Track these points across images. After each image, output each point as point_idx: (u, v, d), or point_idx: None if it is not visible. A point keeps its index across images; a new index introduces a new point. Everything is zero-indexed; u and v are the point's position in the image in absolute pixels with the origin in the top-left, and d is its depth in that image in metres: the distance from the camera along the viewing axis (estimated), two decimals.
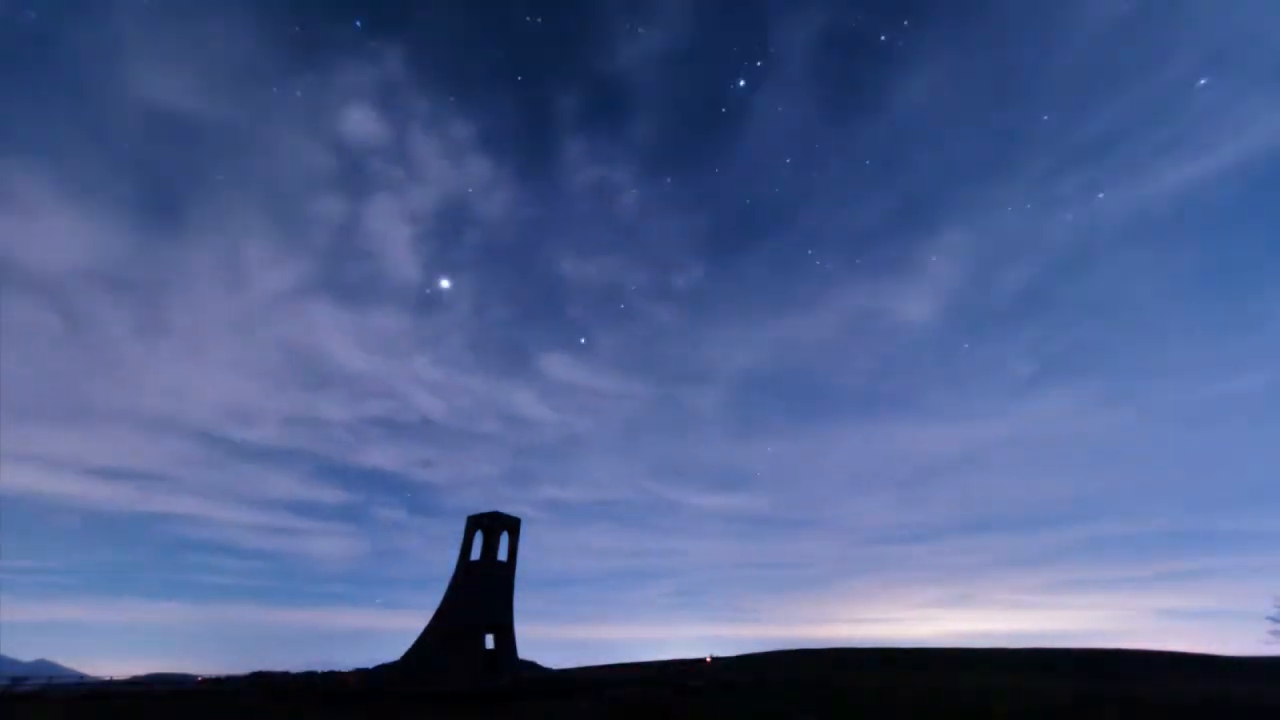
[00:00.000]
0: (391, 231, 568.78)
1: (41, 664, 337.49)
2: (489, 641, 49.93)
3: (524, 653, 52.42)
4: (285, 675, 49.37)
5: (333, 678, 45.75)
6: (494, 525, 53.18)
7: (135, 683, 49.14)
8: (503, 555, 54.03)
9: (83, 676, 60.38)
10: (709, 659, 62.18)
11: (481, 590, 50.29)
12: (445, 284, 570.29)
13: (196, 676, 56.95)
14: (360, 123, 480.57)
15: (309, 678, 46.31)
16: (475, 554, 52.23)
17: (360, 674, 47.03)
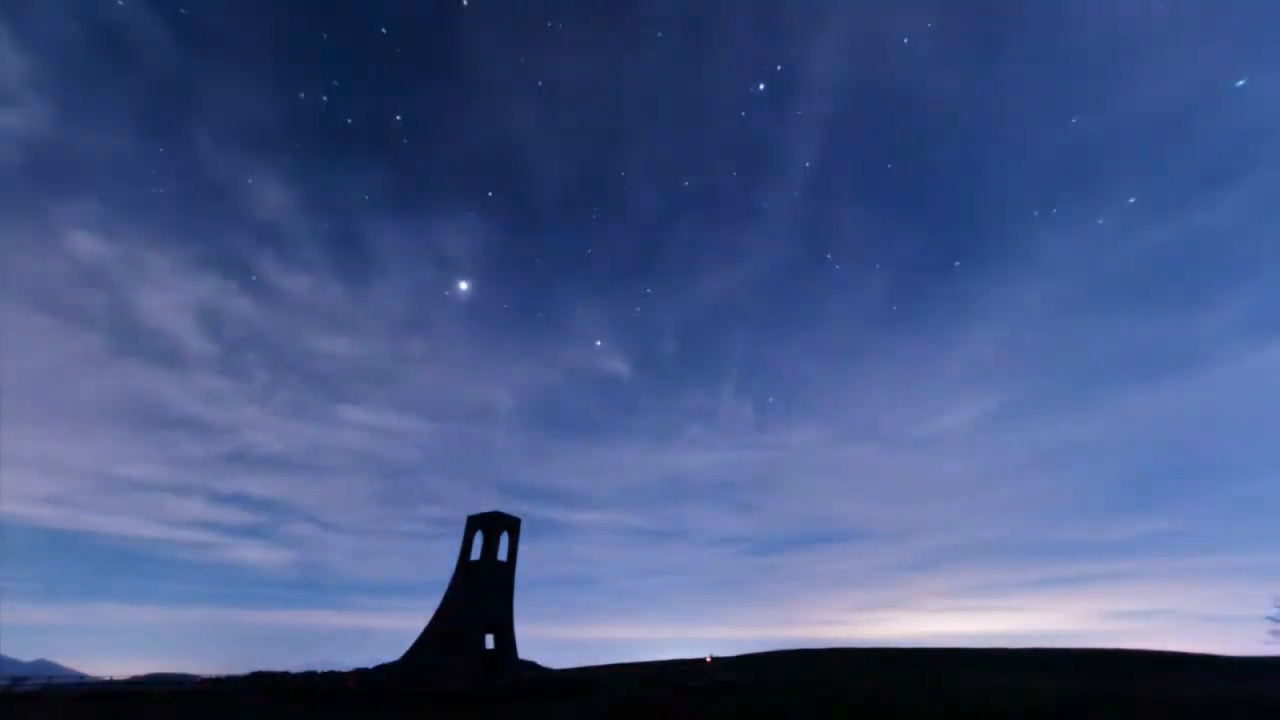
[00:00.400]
0: (174, 318, 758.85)
1: (41, 664, 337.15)
2: (489, 641, 49.88)
3: (524, 653, 52.42)
4: (285, 675, 49.35)
5: (333, 678, 45.71)
6: (494, 525, 53.12)
7: (135, 683, 49.12)
8: (502, 555, 54.02)
9: (83, 676, 60.31)
10: (709, 659, 62.18)
11: (481, 590, 50.22)
12: (464, 285, 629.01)
13: (197, 676, 56.89)
14: (88, 243, 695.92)
15: (309, 678, 46.29)
16: (475, 554, 52.19)
17: (360, 674, 46.98)
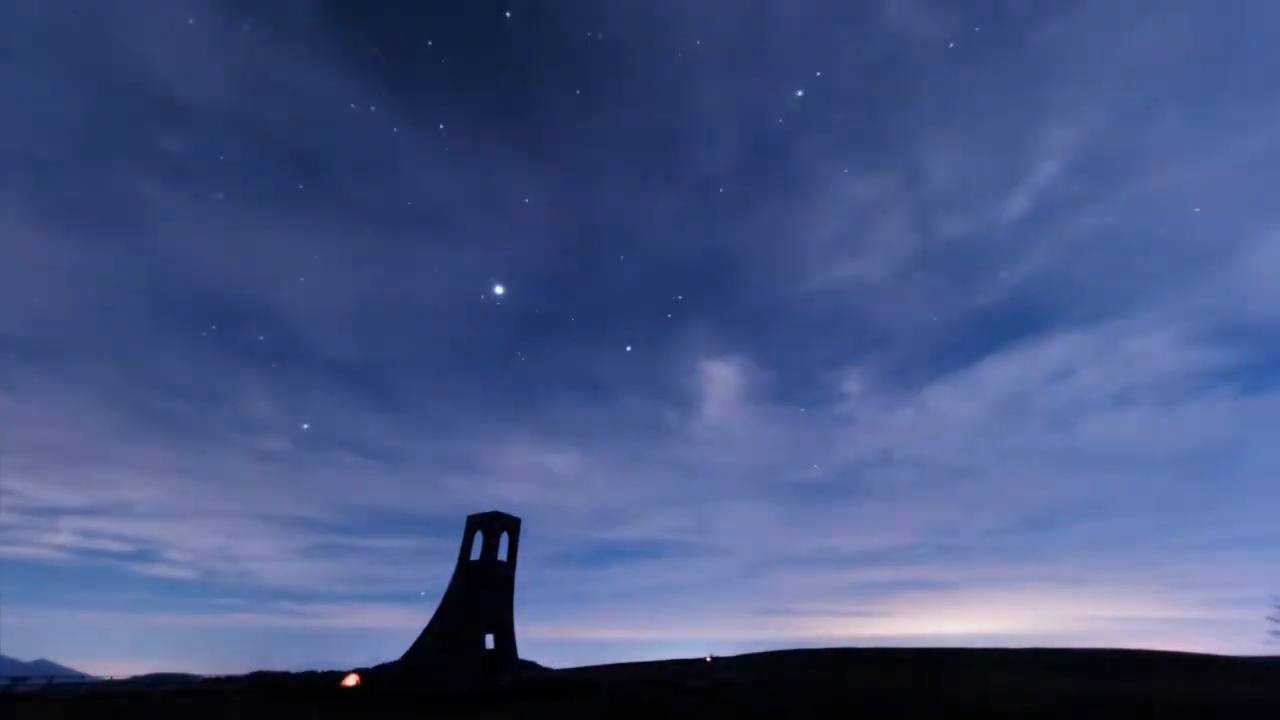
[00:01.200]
0: None
1: (41, 664, 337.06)
2: (489, 641, 49.90)
3: (524, 653, 52.44)
4: (285, 675, 49.35)
5: (334, 677, 45.70)
6: (494, 525, 53.14)
7: (135, 683, 49.12)
8: (502, 555, 54.06)
9: (83, 676, 60.32)
10: (709, 659, 62.16)
11: (481, 590, 50.25)
12: (499, 289, 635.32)
13: (198, 677, 56.91)
14: None
15: (309, 677, 46.29)
16: (475, 554, 52.22)
17: (360, 674, 46.97)
